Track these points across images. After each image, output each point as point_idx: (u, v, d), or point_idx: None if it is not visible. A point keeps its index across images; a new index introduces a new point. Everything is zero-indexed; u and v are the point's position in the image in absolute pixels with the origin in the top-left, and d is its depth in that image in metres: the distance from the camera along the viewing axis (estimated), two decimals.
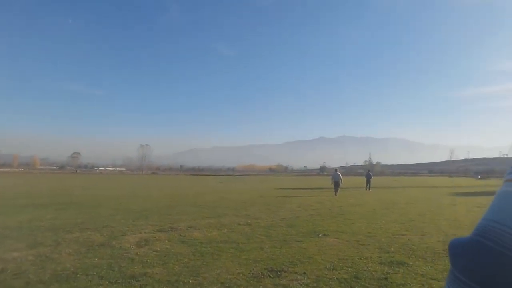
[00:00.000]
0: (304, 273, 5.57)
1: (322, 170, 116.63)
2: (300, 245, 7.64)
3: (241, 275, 5.49)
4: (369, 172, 32.26)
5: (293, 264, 6.11)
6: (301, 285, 5.05)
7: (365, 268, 5.86)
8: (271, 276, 5.44)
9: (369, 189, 29.55)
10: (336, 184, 23.04)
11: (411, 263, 6.17)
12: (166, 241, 8.06)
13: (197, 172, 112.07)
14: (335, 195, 22.47)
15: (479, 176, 75.14)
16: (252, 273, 5.57)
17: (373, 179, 32.63)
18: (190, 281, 5.17)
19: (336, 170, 24.63)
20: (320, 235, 8.86)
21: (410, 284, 5.02)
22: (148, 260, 6.37)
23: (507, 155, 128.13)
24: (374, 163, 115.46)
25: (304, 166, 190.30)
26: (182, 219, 11.60)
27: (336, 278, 5.32)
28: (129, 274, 5.55)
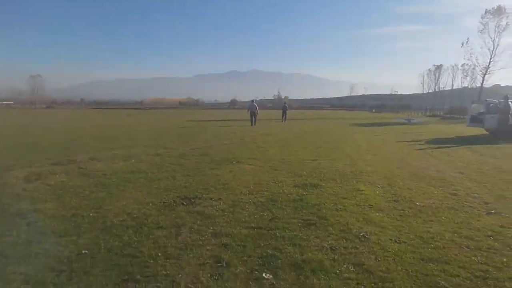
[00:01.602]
0: (220, 198, 5.32)
1: (233, 103, 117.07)
2: (214, 172, 7.36)
3: (150, 204, 5.02)
4: (285, 104, 33.45)
5: (208, 190, 5.81)
6: (217, 210, 4.79)
7: (281, 191, 5.83)
8: (185, 203, 5.08)
9: (284, 121, 30.51)
10: (252, 115, 23.81)
11: (323, 184, 6.32)
12: (63, 174, 7.10)
13: (101, 105, 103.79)
14: (252, 125, 23.09)
15: (373, 110, 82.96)
16: (164, 202, 5.14)
17: (280, 112, 33.66)
18: (91, 214, 4.55)
19: (252, 101, 25.59)
20: (234, 162, 8.68)
21: (324, 204, 5.09)
22: (39, 196, 5.49)
23: (396, 92, 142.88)
24: (283, 97, 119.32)
25: (215, 100, 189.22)
26: (83, 151, 10.44)
27: (253, 202, 5.17)
28: (14, 211, 4.70)
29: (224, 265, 3.21)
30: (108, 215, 4.51)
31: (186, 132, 17.81)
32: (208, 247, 3.59)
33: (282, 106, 32.99)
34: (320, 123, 30.42)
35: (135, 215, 4.52)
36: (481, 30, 39.10)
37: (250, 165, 8.37)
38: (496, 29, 38.41)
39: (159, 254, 3.42)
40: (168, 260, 3.30)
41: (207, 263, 3.26)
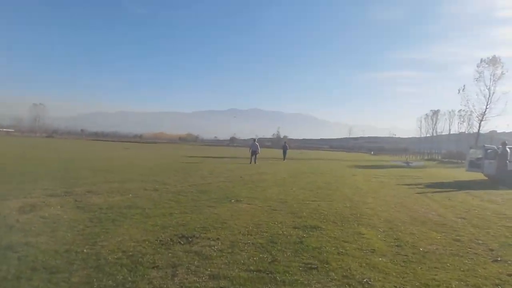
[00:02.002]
0: (218, 238, 5.18)
1: (233, 141, 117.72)
2: (212, 211, 7.23)
3: (147, 242, 4.87)
4: (285, 144, 33.85)
5: (206, 229, 5.67)
6: (215, 251, 4.64)
7: (280, 232, 5.69)
8: (182, 242, 4.93)
9: (284, 160, 30.64)
10: (253, 153, 24.24)
11: (323, 227, 6.19)
12: (58, 207, 6.95)
13: (101, 137, 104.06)
14: (253, 163, 23.42)
15: (372, 152, 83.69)
16: (160, 240, 4.99)
17: (278, 152, 33.85)
18: (85, 250, 4.39)
19: (254, 140, 26.14)
20: (233, 200, 8.56)
21: (325, 247, 4.95)
22: (33, 228, 5.34)
23: (395, 135, 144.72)
24: (282, 137, 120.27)
25: (215, 137, 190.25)
26: (79, 183, 10.32)
27: (252, 243, 5.03)
28: (5, 243, 4.54)
29: None
30: (103, 252, 4.36)
31: (184, 168, 17.71)
32: None
33: (283, 145, 33.32)
34: (319, 163, 30.44)
35: (130, 253, 4.37)
36: (477, 78, 40.17)
37: (248, 204, 8.25)
38: (492, 77, 39.48)
39: None
40: None
41: None
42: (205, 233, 5.43)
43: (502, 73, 39.10)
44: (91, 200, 7.86)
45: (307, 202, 8.81)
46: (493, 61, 39.45)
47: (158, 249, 4.60)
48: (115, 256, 4.23)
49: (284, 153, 31.33)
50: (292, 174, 17.15)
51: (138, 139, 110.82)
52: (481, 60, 40.24)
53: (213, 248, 4.74)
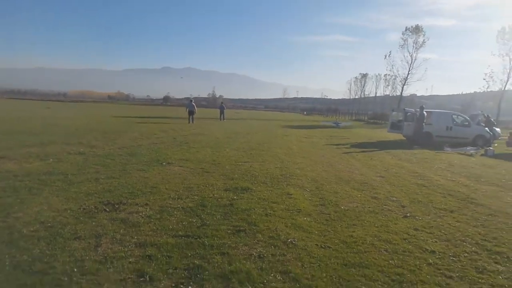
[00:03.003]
0: (146, 204, 5.06)
1: (166, 100, 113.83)
2: (142, 175, 7.01)
3: (68, 211, 4.60)
4: (222, 104, 33.53)
5: (134, 195, 5.50)
6: (142, 217, 4.54)
7: (211, 195, 5.72)
8: (107, 209, 4.74)
9: (223, 119, 30.45)
10: (191, 113, 24.51)
11: (254, 188, 6.34)
12: None
13: (18, 95, 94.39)
14: (190, 123, 23.69)
15: (305, 113, 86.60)
16: (83, 208, 4.75)
17: (215, 111, 33.59)
18: None
19: (191, 100, 26.76)
20: (164, 163, 8.37)
21: (254, 209, 5.09)
22: None
23: (326, 96, 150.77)
24: (217, 96, 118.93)
25: (148, 96, 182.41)
26: None
27: (182, 207, 5.00)
28: None
29: (148, 279, 3.02)
30: (17, 225, 4.02)
31: (113, 129, 16.77)
32: (130, 259, 3.35)
33: (219, 106, 33.09)
34: (254, 124, 30.79)
35: (49, 224, 4.10)
36: (402, 45, 42.74)
37: (180, 166, 8.13)
38: (414, 45, 42.24)
39: (75, 269, 3.11)
40: (84, 277, 3.01)
41: (128, 278, 3.04)
42: (133, 199, 5.28)
43: (424, 41, 42.02)
44: (5, 166, 7.16)
45: (240, 163, 8.92)
46: (416, 30, 42.05)
47: (81, 218, 4.38)
48: (32, 229, 3.94)
49: (222, 113, 31.22)
50: (226, 134, 17.16)
51: (62, 98, 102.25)
52: (406, 28, 42.72)
53: (140, 214, 4.63)
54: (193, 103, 25.48)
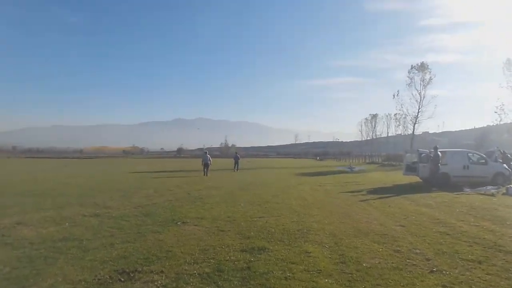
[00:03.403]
0: (162, 271, 4.94)
1: (180, 152, 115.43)
2: (157, 237, 6.93)
3: (83, 283, 4.52)
4: (236, 154, 33.81)
5: (149, 261, 5.40)
6: (157, 287, 4.42)
7: (227, 257, 5.58)
8: (122, 279, 4.65)
9: (237, 170, 30.54)
10: (206, 165, 24.96)
11: (271, 247, 6.16)
12: None
13: (36, 154, 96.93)
14: (206, 175, 24.20)
15: (318, 158, 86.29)
16: (98, 279, 4.66)
17: (229, 161, 33.75)
18: None
19: (205, 152, 27.23)
20: (179, 223, 8.31)
21: (272, 272, 4.92)
22: None
23: (338, 139, 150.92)
24: (230, 146, 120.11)
25: (161, 148, 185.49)
26: (8, 213, 9.45)
27: (198, 273, 4.86)
28: None
29: None
30: None
31: (128, 186, 16.90)
32: None
33: (234, 156, 33.36)
34: (267, 173, 30.73)
35: None
36: (409, 84, 42.96)
37: (195, 226, 8.04)
38: (421, 82, 42.46)
39: None
40: None
41: None
42: (148, 266, 5.18)
43: (430, 78, 42.22)
44: (21, 233, 7.21)
45: (255, 219, 8.78)
46: (422, 67, 42.52)
47: None
48: None
49: (236, 163, 31.46)
50: (240, 187, 17.09)
51: (79, 155, 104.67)
52: (411, 67, 43.18)
53: (156, 283, 4.51)
54: (208, 155, 25.94)
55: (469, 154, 18.14)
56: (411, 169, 19.04)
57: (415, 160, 18.84)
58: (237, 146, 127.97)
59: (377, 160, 57.58)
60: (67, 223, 8.22)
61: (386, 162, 48.62)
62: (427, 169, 17.06)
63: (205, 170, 24.86)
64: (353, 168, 35.97)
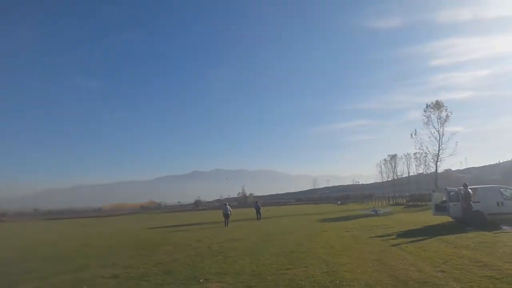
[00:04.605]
0: None
1: (197, 204, 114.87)
2: None
3: None
4: (257, 203, 33.46)
5: None
6: None
7: None
8: None
9: (260, 219, 29.95)
10: (226, 216, 25.82)
11: None
12: None
13: (56, 216, 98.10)
14: (226, 225, 24.71)
15: (339, 202, 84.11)
16: None
17: (248, 211, 33.19)
18: None
19: (225, 204, 28.27)
20: (201, 280, 7.83)
21: None
22: None
23: (358, 182, 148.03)
24: (247, 195, 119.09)
25: (178, 202, 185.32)
26: (27, 278, 9.17)
27: None
28: None
29: None
30: None
31: (147, 243, 16.46)
32: None
33: (255, 205, 33.03)
34: (289, 221, 29.82)
35: None
36: (426, 122, 42.40)
37: (219, 283, 7.54)
38: (438, 120, 41.87)
39: None
40: None
41: None
42: None
43: (447, 116, 41.60)
44: None
45: (282, 272, 8.21)
46: (437, 106, 42.13)
47: None
48: None
49: (258, 212, 31.06)
50: (262, 237, 16.43)
51: (98, 213, 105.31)
52: (427, 105, 42.81)
53: None
54: (228, 206, 26.75)
55: (501, 189, 17.20)
56: (440, 208, 18.08)
57: (444, 199, 17.94)
58: (255, 194, 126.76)
59: (401, 201, 55.66)
60: (85, 286, 7.85)
61: (411, 203, 46.81)
62: (459, 208, 16.17)
63: (226, 221, 25.55)
64: (378, 211, 34.64)
